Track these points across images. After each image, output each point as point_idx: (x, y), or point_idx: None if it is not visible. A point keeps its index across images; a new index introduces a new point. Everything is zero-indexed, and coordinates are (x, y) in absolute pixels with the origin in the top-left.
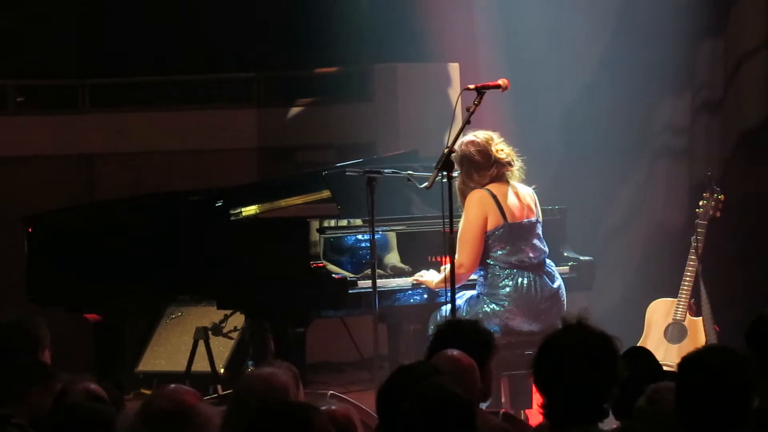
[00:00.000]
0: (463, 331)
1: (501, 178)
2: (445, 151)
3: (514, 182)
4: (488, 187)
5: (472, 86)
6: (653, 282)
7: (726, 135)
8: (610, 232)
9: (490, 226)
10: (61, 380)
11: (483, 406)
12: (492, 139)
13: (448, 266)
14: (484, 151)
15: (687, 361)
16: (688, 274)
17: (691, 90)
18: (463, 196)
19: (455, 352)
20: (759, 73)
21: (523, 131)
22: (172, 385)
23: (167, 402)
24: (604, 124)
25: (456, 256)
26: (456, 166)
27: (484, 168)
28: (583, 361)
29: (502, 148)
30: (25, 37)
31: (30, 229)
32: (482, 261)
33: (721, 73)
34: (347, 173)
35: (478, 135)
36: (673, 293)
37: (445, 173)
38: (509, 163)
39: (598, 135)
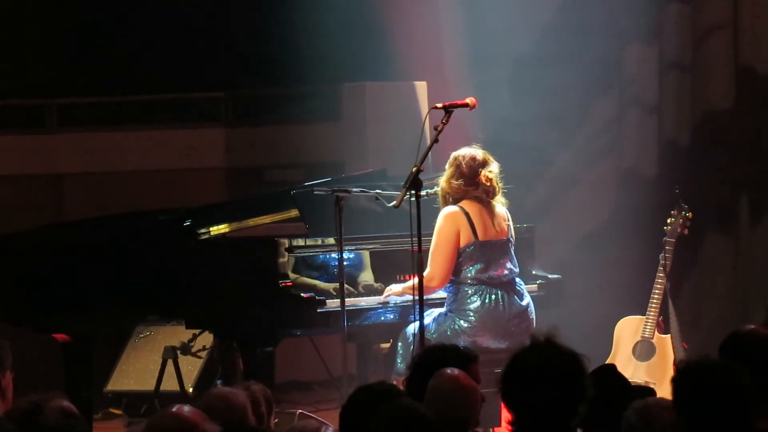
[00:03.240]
0: (444, 356)
1: (477, 199)
2: (414, 169)
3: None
4: (461, 204)
5: (440, 105)
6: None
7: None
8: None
9: (461, 243)
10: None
11: None
12: (489, 164)
13: (415, 280)
14: (474, 168)
15: (683, 374)
16: (657, 291)
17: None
18: (443, 199)
19: (455, 372)
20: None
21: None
22: (176, 405)
23: (172, 421)
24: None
25: (428, 269)
26: (447, 166)
27: (465, 182)
28: (551, 378)
29: (491, 177)
30: None
31: None
32: (452, 278)
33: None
34: (315, 192)
35: (479, 153)
36: (641, 311)
37: (413, 192)
38: (486, 192)
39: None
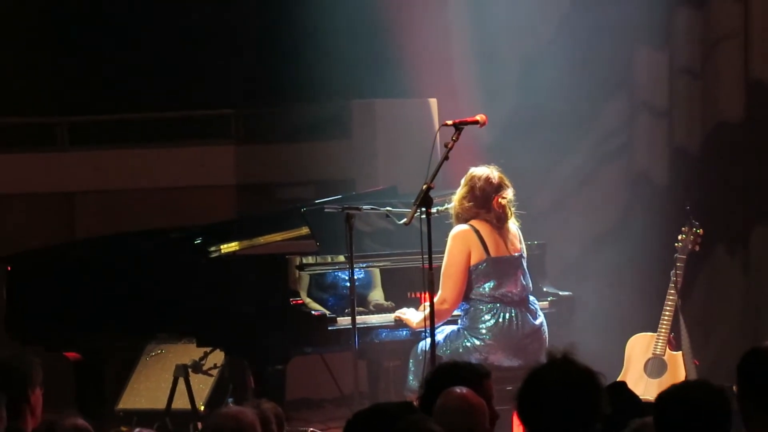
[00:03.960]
0: (457, 373)
1: (487, 221)
2: (424, 187)
3: None
4: (471, 222)
5: (450, 122)
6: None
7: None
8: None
9: (473, 261)
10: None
11: None
12: (504, 189)
13: (428, 304)
14: (488, 192)
15: (665, 396)
16: (668, 308)
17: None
18: (456, 218)
19: (464, 390)
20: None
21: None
22: (137, 429)
23: None
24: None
25: (439, 292)
26: (462, 182)
27: (477, 205)
28: (567, 395)
29: (503, 204)
30: (3, 75)
31: (9, 268)
32: (466, 296)
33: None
34: (326, 210)
35: (495, 177)
36: (653, 328)
37: (424, 209)
38: (498, 218)
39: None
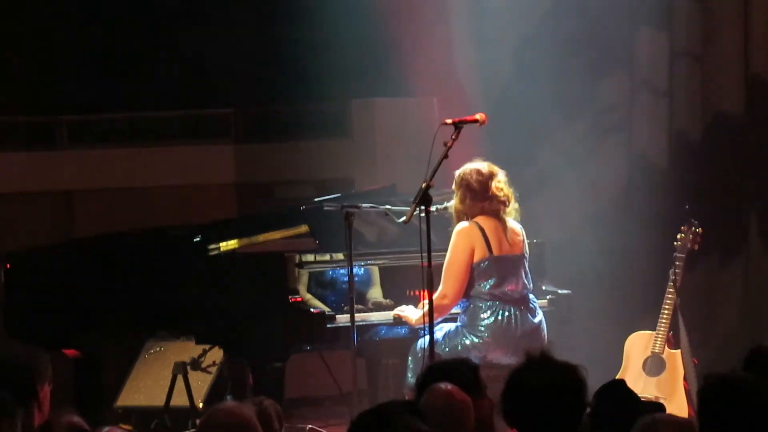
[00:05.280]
0: (448, 371)
1: (493, 213)
2: (423, 185)
3: (504, 217)
4: (476, 219)
5: (449, 121)
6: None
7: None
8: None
9: (476, 259)
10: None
11: None
12: (496, 174)
13: (427, 302)
14: (484, 182)
15: (710, 388)
16: (666, 306)
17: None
18: (458, 219)
19: (449, 386)
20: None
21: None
22: (106, 428)
23: None
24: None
25: (440, 287)
26: (454, 187)
27: (478, 198)
28: (548, 391)
29: (501, 187)
30: (1, 74)
31: (8, 266)
32: (466, 293)
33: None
34: (325, 208)
35: (484, 166)
36: (652, 326)
37: (422, 208)
38: (503, 203)
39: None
